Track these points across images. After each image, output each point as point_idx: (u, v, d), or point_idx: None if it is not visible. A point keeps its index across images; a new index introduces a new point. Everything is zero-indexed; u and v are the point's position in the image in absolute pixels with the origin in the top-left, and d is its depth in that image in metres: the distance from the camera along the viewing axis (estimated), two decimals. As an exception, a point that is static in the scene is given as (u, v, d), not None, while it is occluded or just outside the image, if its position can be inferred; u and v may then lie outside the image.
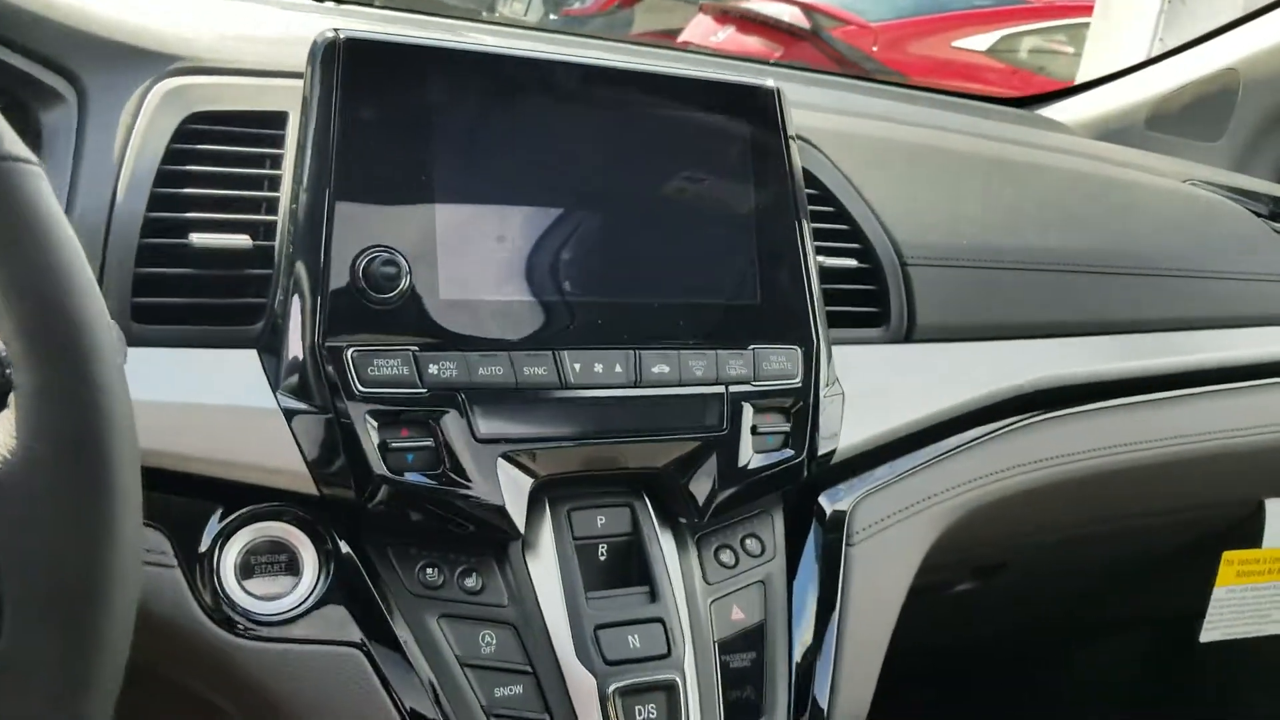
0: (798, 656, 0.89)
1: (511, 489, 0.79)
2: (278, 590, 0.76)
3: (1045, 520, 1.19)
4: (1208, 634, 1.40)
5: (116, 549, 0.49)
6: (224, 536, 0.76)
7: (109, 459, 0.49)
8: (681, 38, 5.57)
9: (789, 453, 0.90)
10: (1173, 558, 1.51)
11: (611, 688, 0.78)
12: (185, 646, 0.73)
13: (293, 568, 0.77)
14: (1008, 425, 1.08)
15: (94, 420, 0.49)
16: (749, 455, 0.88)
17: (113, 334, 0.52)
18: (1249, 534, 1.39)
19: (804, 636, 0.90)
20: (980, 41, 5.48)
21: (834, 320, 0.99)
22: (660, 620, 0.82)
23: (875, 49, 5.33)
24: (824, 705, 0.89)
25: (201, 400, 0.75)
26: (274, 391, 0.76)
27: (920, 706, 2.00)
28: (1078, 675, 1.91)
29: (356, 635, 0.76)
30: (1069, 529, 1.25)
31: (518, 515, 0.80)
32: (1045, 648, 1.86)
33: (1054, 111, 1.84)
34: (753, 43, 5.29)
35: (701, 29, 5.62)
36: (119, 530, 0.49)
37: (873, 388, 1.00)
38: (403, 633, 0.77)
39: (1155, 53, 1.99)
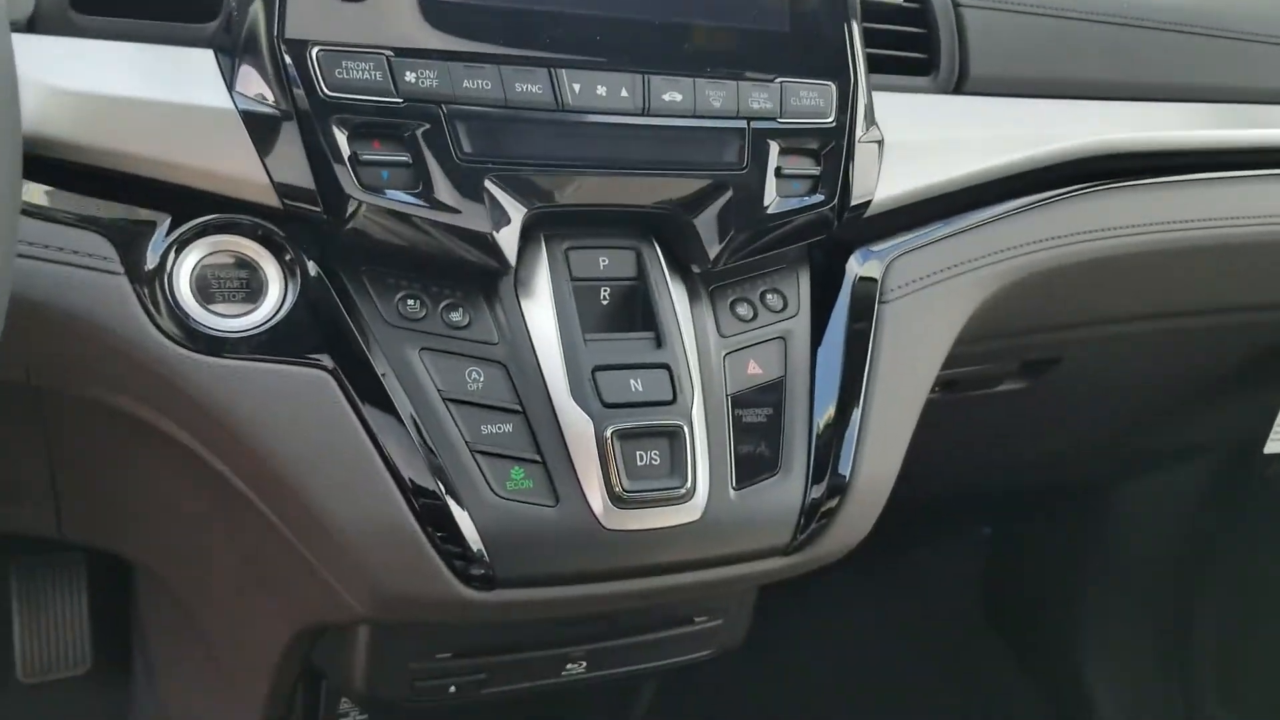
0: (820, 418, 0.81)
1: (500, 217, 0.71)
2: (239, 312, 0.69)
3: (1102, 305, 1.09)
4: (1272, 445, 1.31)
5: None
6: (177, 248, 0.68)
7: None
8: None
9: (818, 198, 0.81)
10: (1238, 374, 1.41)
11: (610, 430, 0.72)
12: (133, 362, 0.67)
13: (254, 294, 0.70)
14: (1066, 192, 0.98)
15: None
16: (771, 198, 0.79)
17: None
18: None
19: (828, 397, 0.82)
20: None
21: (876, 65, 0.89)
22: (666, 366, 0.75)
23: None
24: (845, 472, 0.81)
25: (148, 95, 0.67)
26: (230, 92, 0.68)
27: (967, 540, 1.94)
28: (1131, 507, 1.83)
29: (328, 360, 0.69)
30: (1129, 321, 1.15)
31: (508, 247, 0.72)
32: (1098, 476, 1.78)
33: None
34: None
35: None
36: None
37: (916, 139, 0.90)
38: (379, 363, 0.70)
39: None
